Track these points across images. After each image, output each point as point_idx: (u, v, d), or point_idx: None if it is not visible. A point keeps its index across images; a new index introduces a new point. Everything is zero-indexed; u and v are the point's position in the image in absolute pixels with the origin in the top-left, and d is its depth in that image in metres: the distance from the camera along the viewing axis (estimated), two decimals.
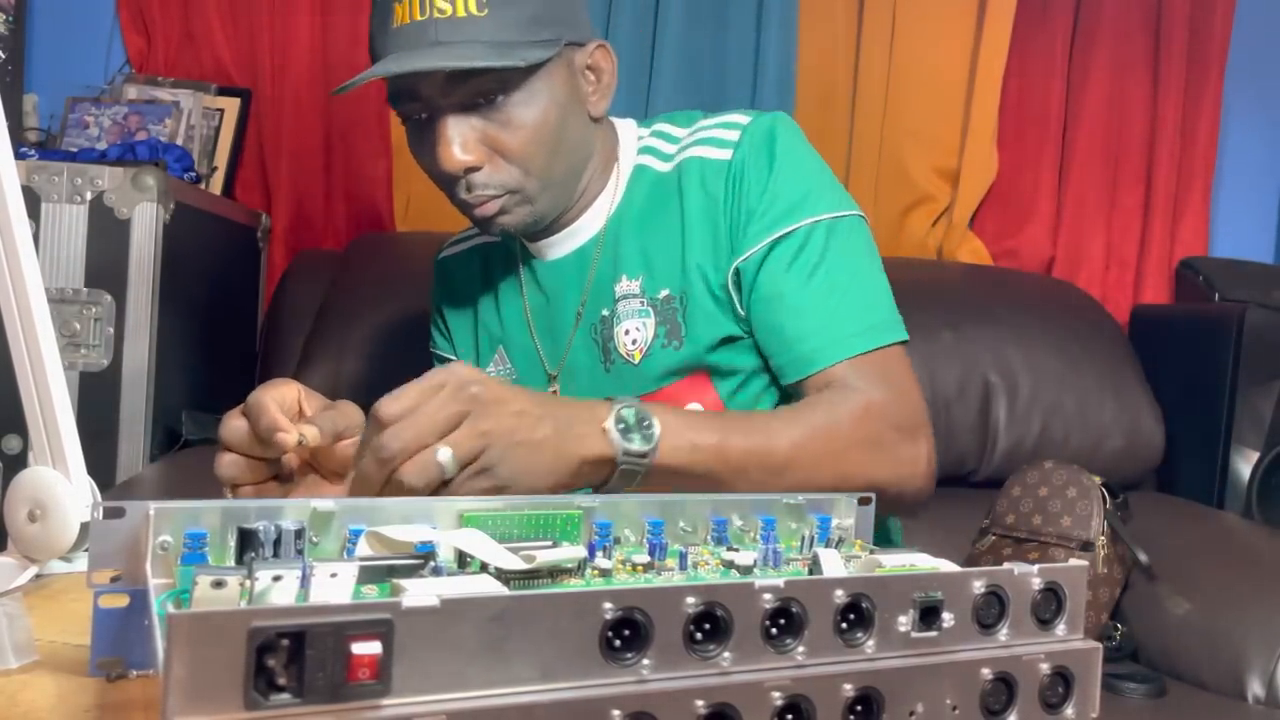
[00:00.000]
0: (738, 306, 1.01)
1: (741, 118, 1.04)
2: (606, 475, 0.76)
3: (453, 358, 1.20)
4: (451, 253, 1.23)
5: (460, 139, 0.95)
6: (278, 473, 0.80)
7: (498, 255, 1.16)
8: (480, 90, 0.94)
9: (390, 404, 0.68)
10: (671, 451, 0.78)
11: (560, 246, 1.09)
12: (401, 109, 0.99)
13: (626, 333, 1.04)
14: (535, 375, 1.11)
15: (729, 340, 1.02)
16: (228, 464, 0.77)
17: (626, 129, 1.11)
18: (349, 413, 0.80)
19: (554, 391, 1.10)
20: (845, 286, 0.98)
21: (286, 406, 0.77)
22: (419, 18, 0.92)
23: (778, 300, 0.98)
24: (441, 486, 0.69)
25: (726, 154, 1.02)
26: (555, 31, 0.97)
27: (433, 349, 1.24)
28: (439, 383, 0.69)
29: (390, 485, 0.67)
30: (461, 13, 0.92)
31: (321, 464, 0.81)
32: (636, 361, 1.04)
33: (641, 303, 1.04)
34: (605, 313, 1.06)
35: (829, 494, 0.67)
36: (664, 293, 1.03)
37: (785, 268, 0.98)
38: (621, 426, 0.75)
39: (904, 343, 0.99)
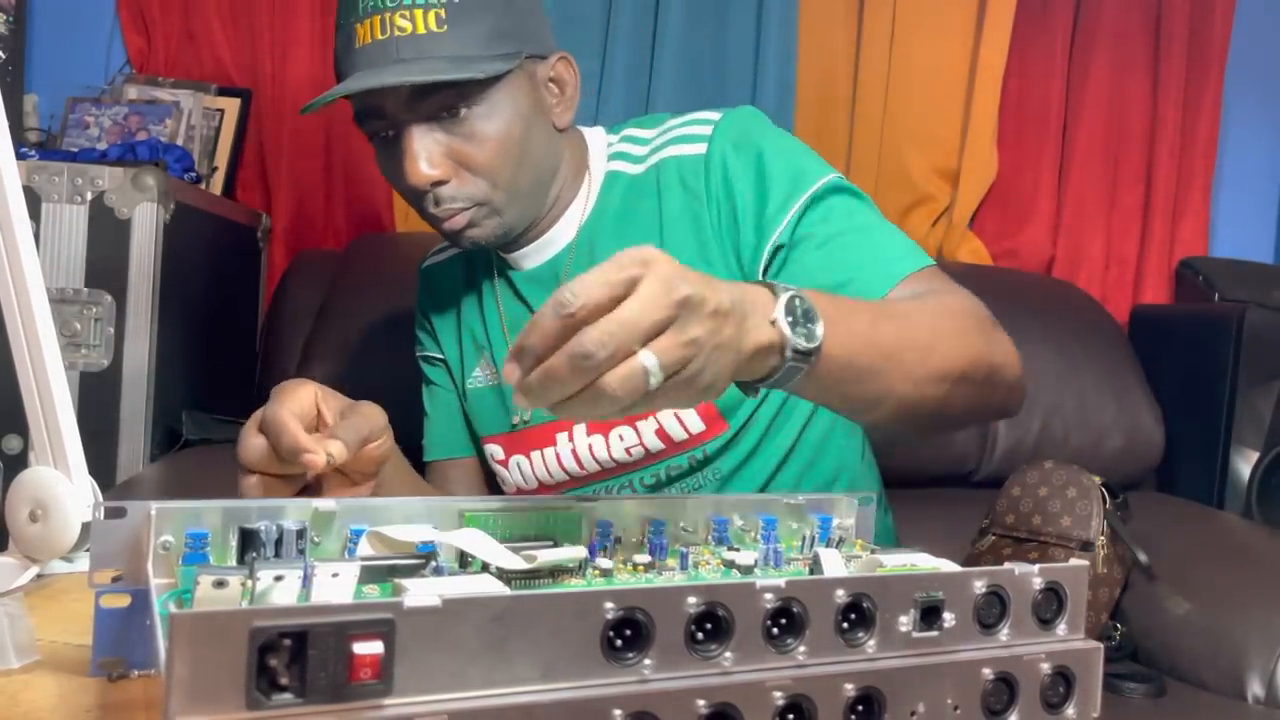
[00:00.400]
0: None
1: (711, 114, 1.06)
2: (769, 372, 0.66)
3: (440, 356, 1.20)
4: (435, 261, 1.24)
5: (425, 153, 0.96)
6: (305, 484, 0.78)
7: (479, 263, 1.17)
8: (443, 105, 0.95)
9: (581, 292, 0.56)
10: (834, 346, 0.68)
11: (533, 257, 1.09)
12: (367, 127, 1.00)
13: None
14: None
15: None
16: (253, 488, 0.75)
17: (595, 137, 1.12)
18: (371, 415, 0.78)
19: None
20: (878, 225, 0.99)
21: (305, 415, 0.75)
22: (380, 37, 0.94)
23: (824, 249, 0.97)
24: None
25: (701, 148, 1.03)
26: (515, 45, 0.98)
27: (420, 353, 1.24)
28: (633, 276, 0.58)
29: (587, 394, 0.56)
30: (422, 29, 0.93)
31: (347, 467, 0.79)
32: None
33: None
34: None
35: (829, 494, 0.67)
36: None
37: (821, 223, 0.98)
38: (790, 320, 0.65)
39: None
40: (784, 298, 0.65)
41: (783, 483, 1.08)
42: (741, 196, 1.00)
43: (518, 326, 1.11)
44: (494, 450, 1.13)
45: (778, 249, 0.99)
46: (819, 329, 0.66)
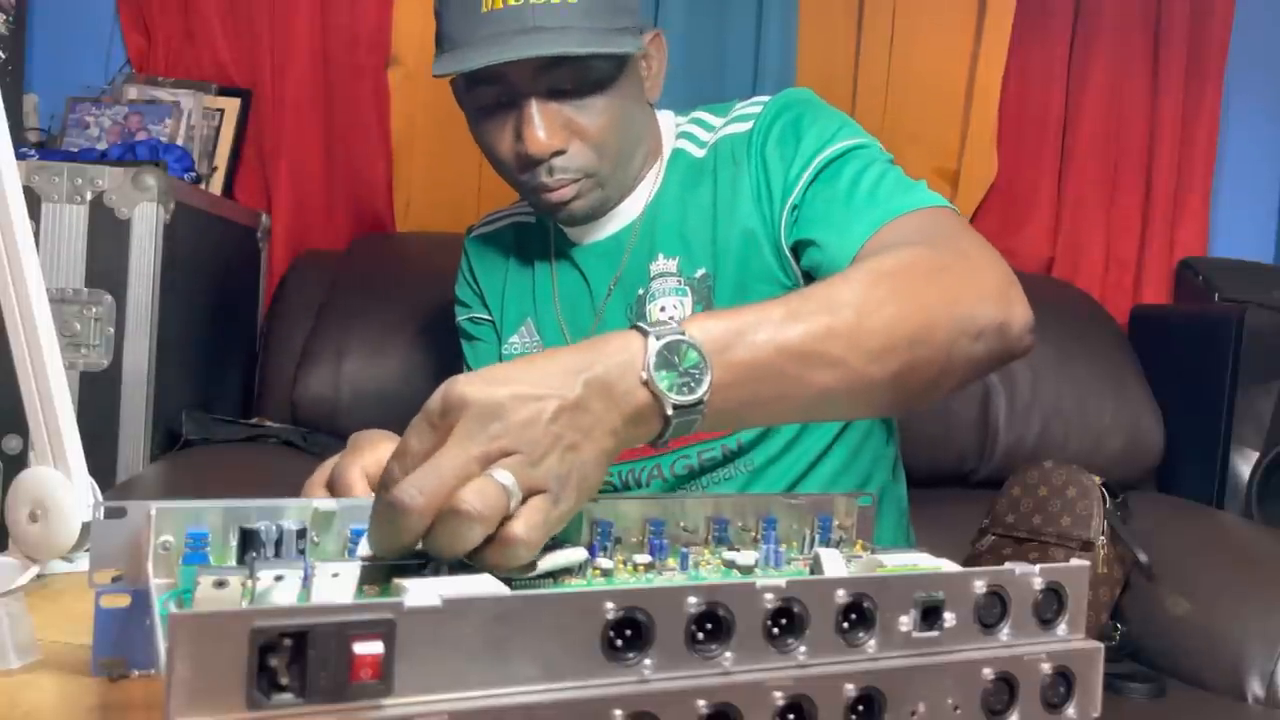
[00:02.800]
0: (785, 253, 1.01)
1: (767, 96, 1.09)
2: (658, 431, 0.60)
3: (489, 318, 1.22)
4: (484, 231, 1.26)
5: (547, 123, 0.98)
6: None
7: (531, 234, 1.19)
8: (572, 77, 0.98)
9: (403, 464, 0.53)
10: (727, 372, 0.61)
11: (598, 231, 1.11)
12: (477, 95, 1.01)
13: (662, 309, 1.06)
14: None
15: None
16: None
17: (665, 118, 1.15)
18: None
19: None
20: (881, 178, 0.95)
21: (377, 476, 0.68)
22: (513, 3, 0.94)
23: (821, 203, 0.97)
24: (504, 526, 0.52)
25: (749, 125, 1.06)
26: (631, 19, 1.01)
27: (465, 316, 1.25)
28: (443, 422, 0.53)
29: (443, 522, 0.50)
30: None
31: None
32: None
33: (679, 281, 1.06)
34: (641, 291, 1.08)
35: (829, 494, 0.67)
36: (700, 272, 1.05)
37: (828, 182, 0.97)
38: (663, 375, 0.58)
39: (953, 209, 0.93)
40: (656, 349, 0.58)
41: (810, 486, 1.08)
42: (773, 165, 1.02)
43: (571, 298, 1.13)
44: None
45: (793, 209, 1.00)
46: (705, 378, 0.59)
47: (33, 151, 1.73)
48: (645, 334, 0.59)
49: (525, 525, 0.51)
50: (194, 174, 1.81)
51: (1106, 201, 2.28)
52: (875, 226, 0.89)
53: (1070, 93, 2.26)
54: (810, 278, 1.00)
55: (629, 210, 1.10)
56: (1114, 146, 2.27)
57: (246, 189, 2.07)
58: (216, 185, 1.98)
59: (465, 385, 0.54)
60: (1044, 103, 2.25)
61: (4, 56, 1.92)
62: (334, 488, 0.70)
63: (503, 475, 0.51)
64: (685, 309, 1.05)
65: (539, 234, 1.18)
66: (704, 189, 1.07)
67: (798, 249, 1.00)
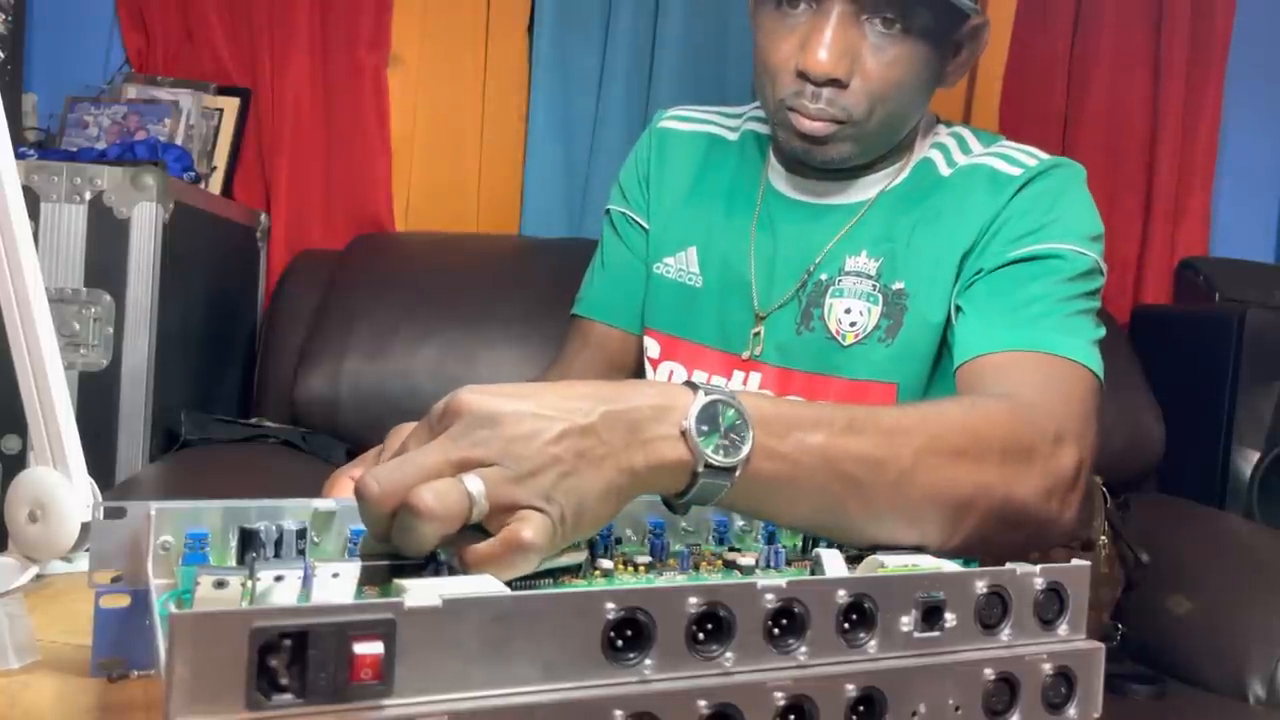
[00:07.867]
0: (951, 302, 0.98)
1: (1045, 153, 1.03)
2: (683, 487, 0.55)
3: (646, 225, 1.13)
4: (677, 126, 1.15)
5: (838, 47, 0.92)
6: None
7: (727, 156, 1.11)
8: (890, 10, 0.92)
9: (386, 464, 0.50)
10: (767, 457, 0.57)
11: (821, 195, 1.05)
12: None
13: (847, 311, 1.00)
14: (739, 306, 1.06)
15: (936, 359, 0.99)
16: None
17: (929, 119, 1.08)
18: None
19: (757, 334, 1.04)
20: (1060, 309, 0.91)
21: None
22: None
23: (995, 287, 0.93)
24: (475, 534, 0.49)
25: (1018, 170, 1.00)
26: None
27: (620, 208, 1.16)
28: (439, 425, 0.51)
29: (399, 517, 0.48)
30: None
31: None
32: (847, 344, 1.00)
33: (874, 286, 1.00)
34: (824, 277, 1.02)
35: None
36: (898, 285, 1.00)
37: (1019, 274, 0.94)
38: (704, 430, 0.54)
39: (1096, 378, 0.87)
40: (702, 402, 0.54)
41: None
42: (1011, 221, 0.97)
43: (764, 251, 1.05)
44: (651, 345, 1.09)
45: (978, 271, 0.96)
46: (745, 444, 0.55)
47: (32, 151, 1.73)
48: (695, 389, 0.56)
49: (533, 530, 0.49)
50: (193, 174, 1.81)
51: (1107, 201, 2.27)
52: (1010, 346, 0.87)
53: (1071, 93, 2.26)
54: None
55: (859, 193, 1.04)
56: (1115, 146, 2.27)
57: (246, 189, 2.07)
58: (216, 185, 1.98)
59: (470, 393, 0.51)
60: (1044, 102, 2.24)
61: (3, 56, 1.92)
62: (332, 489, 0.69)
63: (472, 482, 0.48)
64: (871, 318, 0.99)
65: (738, 161, 1.10)
66: (935, 204, 1.01)
67: (957, 307, 0.97)
